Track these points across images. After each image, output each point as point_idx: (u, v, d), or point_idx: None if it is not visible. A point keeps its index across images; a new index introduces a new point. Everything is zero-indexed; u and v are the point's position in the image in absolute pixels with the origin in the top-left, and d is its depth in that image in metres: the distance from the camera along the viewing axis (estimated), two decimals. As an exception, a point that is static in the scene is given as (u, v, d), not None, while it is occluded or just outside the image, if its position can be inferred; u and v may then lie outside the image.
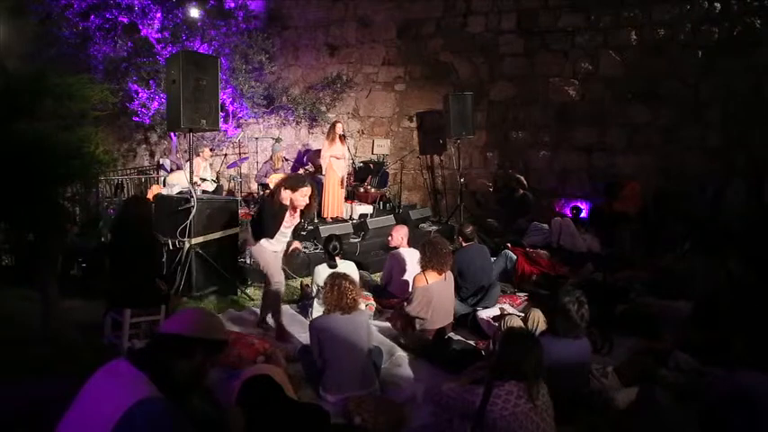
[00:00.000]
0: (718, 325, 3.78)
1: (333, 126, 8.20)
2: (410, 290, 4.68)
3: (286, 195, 4.27)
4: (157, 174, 9.03)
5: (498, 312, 4.67)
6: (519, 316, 4.52)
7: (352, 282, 3.52)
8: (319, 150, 8.71)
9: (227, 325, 4.34)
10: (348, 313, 3.41)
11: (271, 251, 4.46)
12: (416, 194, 10.14)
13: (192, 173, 5.84)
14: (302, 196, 4.27)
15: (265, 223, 4.34)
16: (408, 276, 5.06)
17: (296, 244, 4.60)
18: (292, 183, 4.33)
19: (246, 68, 9.27)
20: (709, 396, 2.50)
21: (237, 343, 3.73)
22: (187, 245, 5.26)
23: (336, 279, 3.51)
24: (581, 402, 3.11)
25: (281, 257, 4.62)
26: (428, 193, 10.03)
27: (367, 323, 3.59)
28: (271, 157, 8.65)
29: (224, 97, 8.75)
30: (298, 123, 10.38)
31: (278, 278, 4.48)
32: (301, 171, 8.24)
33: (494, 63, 9.32)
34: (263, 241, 4.40)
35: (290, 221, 4.44)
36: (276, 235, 4.39)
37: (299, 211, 4.44)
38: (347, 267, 4.73)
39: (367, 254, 6.92)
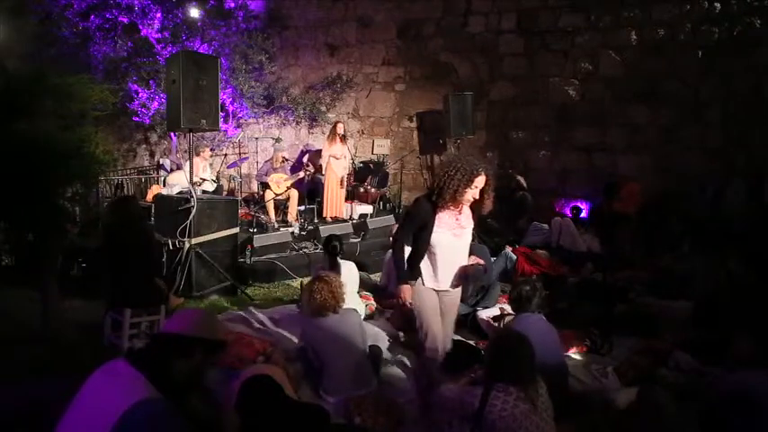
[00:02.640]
0: (718, 325, 3.78)
1: (334, 126, 8.26)
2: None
3: (466, 192, 2.94)
4: (157, 174, 9.02)
5: (498, 312, 4.67)
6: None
7: (325, 281, 3.42)
8: (320, 150, 8.72)
9: (227, 325, 4.34)
10: (324, 315, 3.36)
11: (431, 291, 3.08)
12: (416, 194, 10.07)
13: (191, 173, 5.84)
14: (475, 188, 2.97)
15: (420, 243, 3.02)
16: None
17: (473, 259, 3.18)
18: (466, 171, 2.93)
19: (246, 68, 9.26)
20: (709, 396, 2.50)
21: (237, 343, 3.73)
22: (187, 245, 5.27)
23: (309, 283, 3.46)
24: (576, 398, 3.13)
25: (452, 300, 3.19)
26: (428, 194, 10.01)
27: (359, 323, 3.58)
28: (273, 157, 8.67)
29: (224, 97, 8.74)
30: (298, 123, 10.38)
31: (433, 336, 3.02)
32: (302, 172, 8.23)
33: (494, 63, 9.32)
34: (425, 276, 3.07)
35: (457, 227, 3.05)
36: (438, 257, 3.03)
37: (466, 209, 3.10)
38: (347, 267, 4.72)
39: (367, 254, 6.92)
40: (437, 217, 2.99)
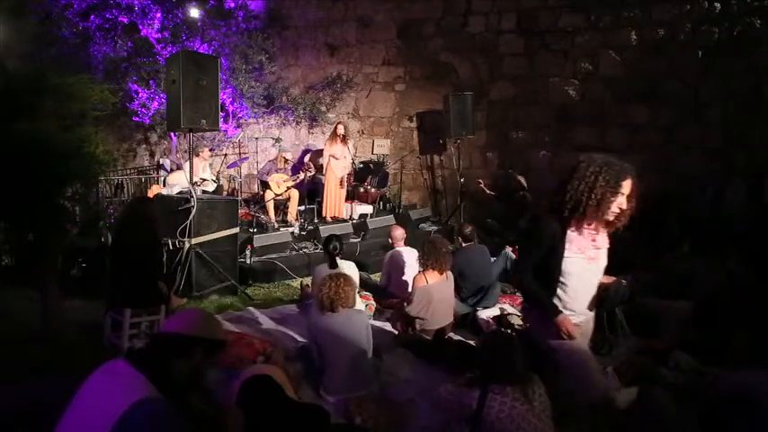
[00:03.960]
0: (718, 325, 3.78)
1: (335, 127, 8.28)
2: (410, 290, 4.68)
3: (611, 199, 2.36)
4: (157, 174, 9.01)
5: (498, 312, 4.68)
6: (519, 316, 4.53)
7: (337, 280, 3.49)
8: (321, 150, 8.74)
9: (227, 325, 4.35)
10: (333, 311, 3.41)
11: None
12: (416, 194, 10.14)
13: (192, 173, 5.84)
14: (622, 195, 2.39)
15: (547, 273, 2.45)
16: (408, 276, 5.06)
17: (605, 278, 2.57)
18: (611, 174, 2.37)
19: (246, 68, 9.26)
20: (709, 396, 2.50)
21: (237, 343, 3.73)
22: (187, 245, 5.27)
23: (324, 279, 3.52)
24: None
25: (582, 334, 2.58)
26: (428, 193, 10.03)
27: (366, 324, 3.59)
28: (276, 157, 8.69)
29: (224, 97, 8.73)
30: (298, 123, 10.38)
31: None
32: (301, 173, 8.23)
33: (494, 63, 9.31)
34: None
35: (592, 248, 2.47)
36: (568, 287, 2.45)
37: (603, 227, 2.49)
38: (347, 267, 4.72)
39: (367, 254, 6.93)
40: (568, 238, 2.40)
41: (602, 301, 2.53)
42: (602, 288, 2.51)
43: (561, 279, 2.43)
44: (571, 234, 2.41)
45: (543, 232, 2.44)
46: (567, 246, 2.40)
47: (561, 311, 2.43)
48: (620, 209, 2.39)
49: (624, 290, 2.51)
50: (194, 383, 1.94)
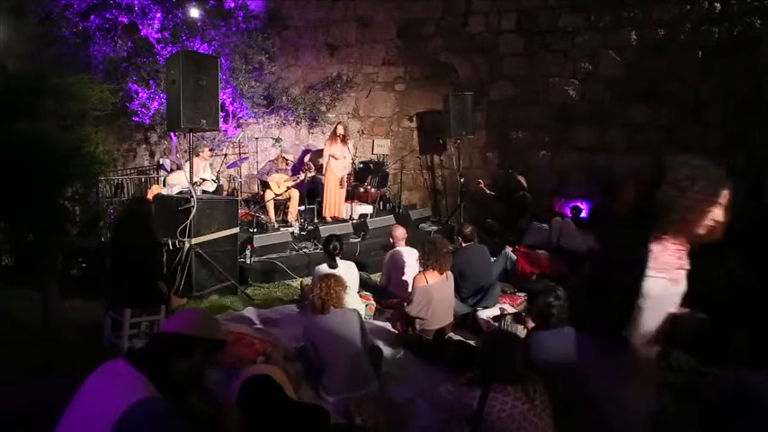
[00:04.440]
0: (717, 325, 3.78)
1: (335, 127, 8.29)
2: (410, 290, 4.68)
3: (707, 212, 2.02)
4: (157, 174, 9.01)
5: (498, 312, 4.67)
6: (522, 315, 4.52)
7: (327, 281, 3.52)
8: (321, 150, 8.74)
9: (227, 325, 4.34)
10: (325, 312, 3.43)
11: None
12: (416, 194, 10.14)
13: (192, 173, 5.84)
14: (720, 206, 2.05)
15: (624, 292, 2.07)
16: (408, 276, 5.06)
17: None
18: (709, 183, 2.03)
19: (246, 68, 9.26)
20: (710, 396, 2.50)
21: (237, 343, 3.73)
22: (187, 245, 5.27)
23: (315, 282, 3.55)
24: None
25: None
26: (428, 193, 10.03)
27: (359, 321, 3.59)
28: (276, 157, 8.69)
29: (224, 97, 8.73)
30: (298, 123, 10.38)
31: None
32: (301, 173, 8.23)
33: (494, 63, 9.31)
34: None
35: (678, 268, 2.13)
36: (645, 312, 2.07)
37: (689, 243, 2.14)
38: (347, 267, 4.72)
39: (367, 254, 6.93)
40: (651, 253, 2.03)
41: (666, 335, 2.11)
42: (671, 320, 2.11)
43: (638, 302, 2.03)
44: (655, 249, 2.03)
45: (627, 248, 2.07)
46: (651, 263, 2.01)
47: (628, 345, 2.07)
48: (716, 221, 2.02)
49: (697, 324, 2.18)
50: (194, 383, 1.94)
